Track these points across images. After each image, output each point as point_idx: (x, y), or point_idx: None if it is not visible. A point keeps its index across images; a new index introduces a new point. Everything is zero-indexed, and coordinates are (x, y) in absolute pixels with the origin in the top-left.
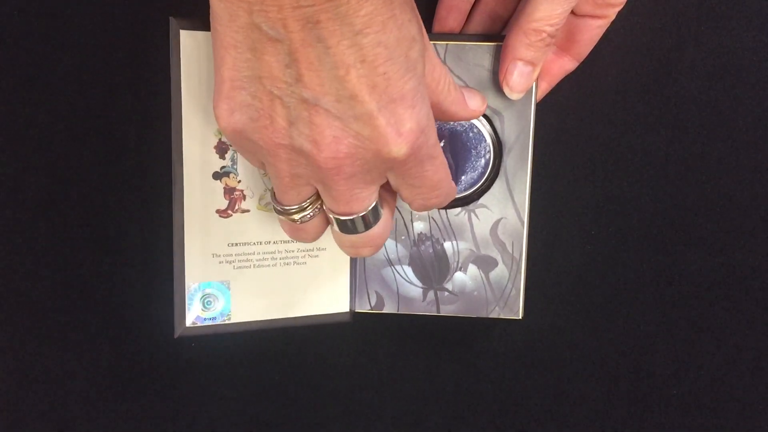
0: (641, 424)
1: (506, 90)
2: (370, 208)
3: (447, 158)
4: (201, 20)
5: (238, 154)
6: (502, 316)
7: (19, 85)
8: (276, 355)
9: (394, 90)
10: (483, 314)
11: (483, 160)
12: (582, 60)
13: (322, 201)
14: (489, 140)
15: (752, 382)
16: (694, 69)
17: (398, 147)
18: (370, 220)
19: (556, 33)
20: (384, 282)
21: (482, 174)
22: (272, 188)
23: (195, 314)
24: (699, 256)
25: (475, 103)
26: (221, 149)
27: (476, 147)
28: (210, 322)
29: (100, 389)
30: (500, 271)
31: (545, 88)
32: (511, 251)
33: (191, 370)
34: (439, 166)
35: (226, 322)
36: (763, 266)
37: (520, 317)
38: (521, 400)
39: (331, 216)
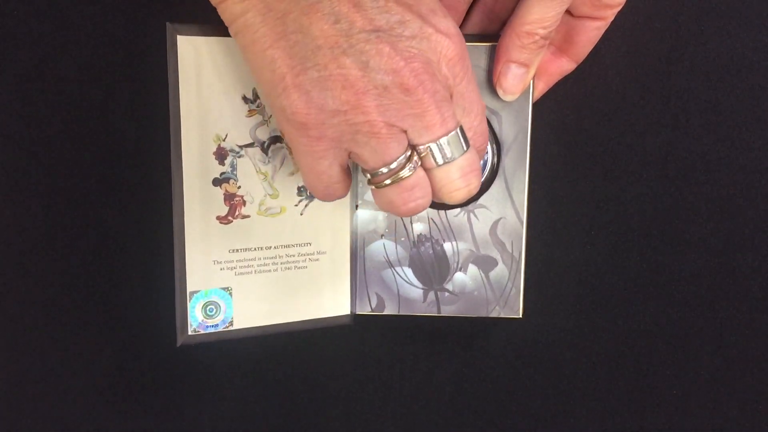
0: (641, 424)
1: (500, 92)
2: (457, 129)
3: None
4: (198, 26)
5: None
6: (502, 316)
7: (19, 90)
8: (278, 357)
9: (425, 6)
10: (483, 314)
11: (481, 162)
12: (580, 61)
13: (417, 154)
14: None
15: (752, 382)
16: (694, 69)
17: (449, 44)
18: (465, 137)
19: (549, 35)
20: (384, 284)
21: (481, 174)
22: (366, 169)
23: (197, 322)
24: (699, 256)
25: None
26: (220, 155)
27: None
28: (212, 330)
29: (102, 395)
30: (500, 270)
31: (542, 88)
32: (510, 251)
33: (193, 373)
34: (479, 95)
35: (229, 329)
36: (763, 266)
37: (520, 316)
38: (522, 400)
39: (431, 155)
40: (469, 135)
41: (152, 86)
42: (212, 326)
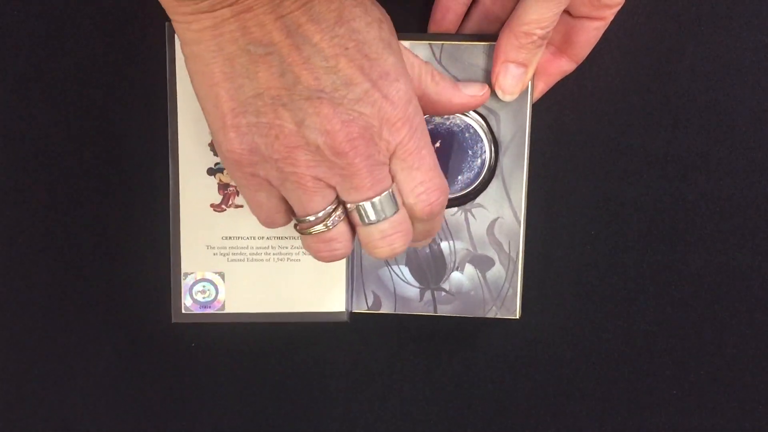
0: (641, 424)
1: (498, 92)
2: (387, 191)
3: (443, 159)
4: None
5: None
6: (499, 316)
7: (19, 86)
8: (274, 355)
9: (379, 68)
10: (480, 314)
11: (479, 160)
12: (580, 61)
13: (343, 208)
14: (485, 140)
15: (752, 382)
16: (694, 69)
17: (395, 114)
18: (395, 200)
19: (547, 35)
20: (381, 282)
21: (478, 174)
22: (294, 216)
23: (190, 302)
24: (699, 256)
25: (472, 89)
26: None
27: (472, 147)
28: (205, 310)
29: (97, 382)
30: (497, 270)
31: (542, 88)
32: (507, 251)
33: (190, 370)
34: (432, 151)
35: (220, 312)
36: (763, 266)
37: (518, 317)
38: (520, 400)
39: (357, 213)
40: (416, 191)
41: (151, 81)
42: (204, 305)
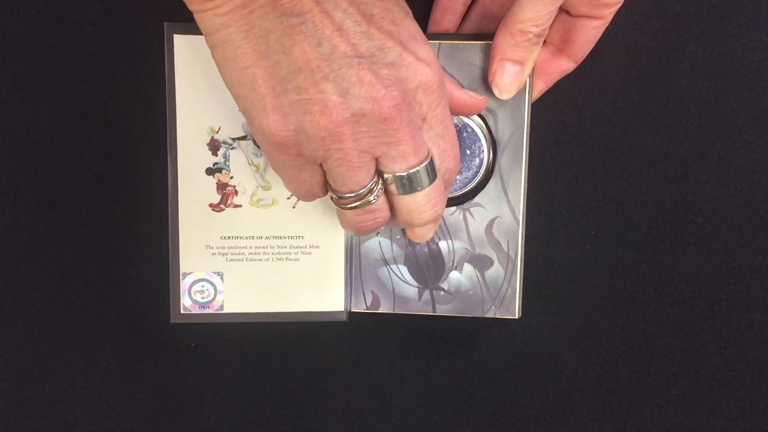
0: (641, 424)
1: (495, 91)
2: (427, 161)
3: None
4: (193, 25)
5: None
6: (498, 316)
7: (19, 86)
8: (273, 354)
9: (405, 32)
10: (479, 314)
11: (477, 160)
12: (580, 61)
13: (382, 179)
14: (483, 140)
15: (752, 382)
16: (694, 69)
17: (428, 72)
18: (431, 169)
19: (543, 33)
20: (379, 281)
21: (476, 173)
22: (335, 190)
23: (189, 301)
24: (699, 256)
25: (479, 96)
26: (213, 146)
27: (470, 146)
28: (203, 310)
29: (97, 382)
30: (496, 270)
31: (542, 88)
32: (506, 250)
33: (190, 370)
34: (452, 122)
35: (219, 311)
36: (763, 266)
37: (517, 317)
38: (519, 400)
39: (400, 182)
40: (441, 158)
41: (151, 81)
42: (203, 305)
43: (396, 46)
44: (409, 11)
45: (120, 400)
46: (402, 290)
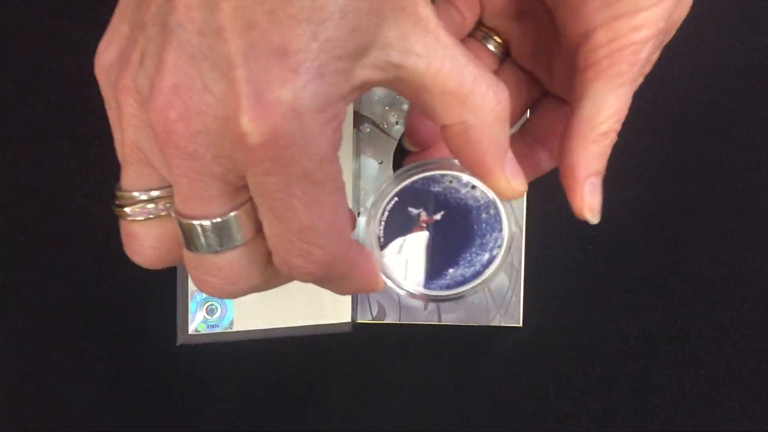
0: (641, 424)
1: (588, 216)
2: (217, 220)
3: (438, 241)
4: None
5: None
6: (503, 324)
7: (19, 86)
8: (278, 365)
9: (276, 37)
10: (484, 322)
11: (487, 255)
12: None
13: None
14: (506, 227)
15: (752, 382)
16: (694, 69)
17: (252, 120)
18: (213, 237)
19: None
20: (385, 292)
21: (477, 274)
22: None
23: (198, 322)
24: (699, 256)
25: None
26: None
27: (485, 235)
28: (213, 330)
29: (102, 398)
30: (500, 278)
31: (519, 114)
32: (510, 259)
33: (193, 378)
34: (321, 201)
35: (229, 330)
36: (763, 266)
37: (521, 325)
38: (524, 405)
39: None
40: (271, 249)
41: None
42: (213, 326)
43: (237, 44)
44: (334, 29)
45: (119, 403)
46: (408, 300)
